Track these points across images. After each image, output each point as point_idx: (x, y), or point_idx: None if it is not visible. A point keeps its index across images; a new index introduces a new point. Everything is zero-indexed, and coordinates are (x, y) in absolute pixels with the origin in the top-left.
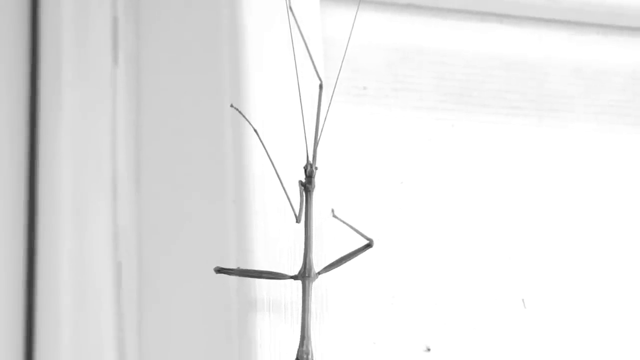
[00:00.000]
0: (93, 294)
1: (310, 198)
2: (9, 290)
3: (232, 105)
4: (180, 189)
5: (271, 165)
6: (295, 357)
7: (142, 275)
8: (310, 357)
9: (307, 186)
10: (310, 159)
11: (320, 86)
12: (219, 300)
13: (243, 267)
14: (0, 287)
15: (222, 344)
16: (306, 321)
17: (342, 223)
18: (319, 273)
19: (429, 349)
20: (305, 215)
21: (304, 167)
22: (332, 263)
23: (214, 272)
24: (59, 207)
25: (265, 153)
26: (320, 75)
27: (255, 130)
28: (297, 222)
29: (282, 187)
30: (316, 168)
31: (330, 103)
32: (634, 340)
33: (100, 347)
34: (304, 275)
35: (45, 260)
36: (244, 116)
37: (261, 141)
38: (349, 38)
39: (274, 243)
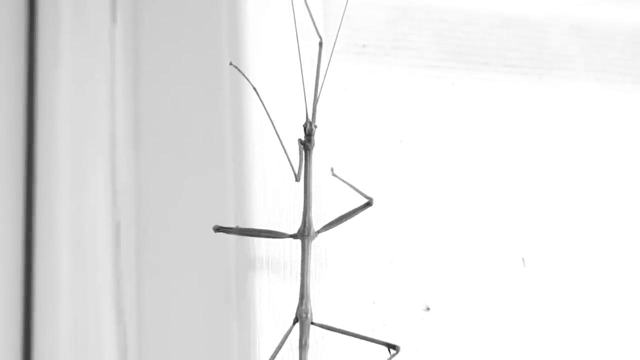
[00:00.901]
0: (91, 254)
1: (310, 156)
2: (6, 249)
3: (231, 64)
4: (179, 147)
5: (270, 124)
6: (294, 316)
7: (141, 234)
8: (309, 315)
9: (306, 144)
10: (310, 117)
11: (320, 44)
12: (218, 260)
13: (242, 226)
14: None
15: (220, 303)
16: (305, 280)
17: (341, 182)
18: (318, 232)
19: (428, 308)
20: (304, 174)
21: (304, 126)
22: (332, 222)
23: (212, 231)
24: (57, 166)
25: (265, 111)
26: (320, 33)
27: (255, 89)
28: (296, 180)
29: (281, 146)
30: (315, 126)
31: (329, 61)
32: (634, 298)
33: (99, 305)
34: (303, 234)
35: (44, 220)
36: (243, 74)
37: (260, 99)
38: None
39: (273, 202)
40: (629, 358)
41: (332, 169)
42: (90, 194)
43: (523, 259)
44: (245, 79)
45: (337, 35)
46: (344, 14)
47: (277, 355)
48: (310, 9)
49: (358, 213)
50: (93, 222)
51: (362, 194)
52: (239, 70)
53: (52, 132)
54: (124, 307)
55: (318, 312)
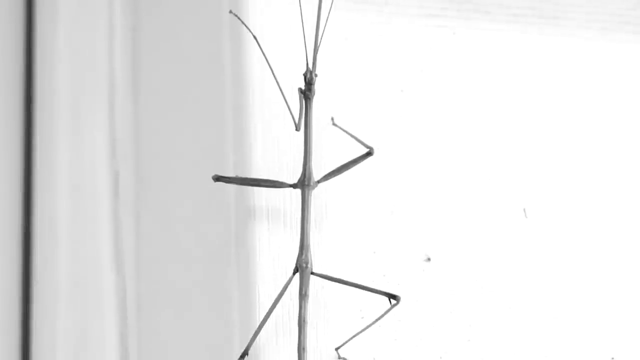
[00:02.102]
0: (90, 203)
1: (310, 106)
2: (5, 199)
3: (230, 12)
4: (179, 96)
5: (270, 73)
6: (294, 266)
7: (140, 184)
8: (309, 265)
9: (306, 93)
10: (310, 66)
11: None
12: (218, 209)
13: (241, 175)
14: None
15: (220, 253)
16: (305, 230)
17: (342, 131)
18: (318, 181)
19: (429, 259)
20: (304, 123)
21: (304, 74)
22: (332, 171)
23: (212, 181)
24: (56, 116)
25: (265, 60)
26: None
27: (255, 37)
28: (296, 130)
29: (281, 95)
30: (316, 75)
31: (330, 9)
32: (636, 248)
33: (97, 254)
34: (304, 183)
35: (43, 169)
36: (243, 23)
37: (260, 48)
38: None
39: (273, 151)
40: (629, 308)
41: (332, 119)
42: (89, 143)
43: (524, 210)
44: (245, 27)
45: None
46: None
47: (277, 305)
48: None
49: (358, 163)
50: (92, 172)
51: (362, 143)
52: (238, 18)
53: (51, 82)
54: (123, 257)
55: (318, 262)
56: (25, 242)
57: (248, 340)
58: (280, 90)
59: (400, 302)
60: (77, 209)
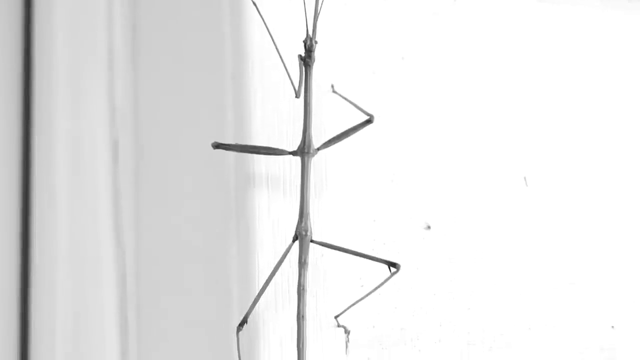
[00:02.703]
0: (89, 172)
1: (310, 73)
2: (4, 166)
3: None
4: (178, 64)
5: (270, 40)
6: (294, 233)
7: (139, 152)
8: (309, 233)
9: (306, 60)
10: (310, 32)
11: None
12: (217, 177)
13: (241, 142)
14: None
15: (220, 220)
16: (305, 197)
17: (342, 98)
18: (318, 149)
19: (429, 227)
20: (304, 90)
21: (304, 41)
22: (332, 139)
23: (211, 148)
24: (55, 85)
25: (264, 27)
26: None
27: (254, 4)
28: (296, 97)
29: (281, 62)
30: (316, 42)
31: None
32: (635, 217)
33: (96, 222)
34: (303, 151)
35: (42, 138)
36: None
37: (260, 15)
38: None
39: (273, 118)
40: (629, 276)
41: (332, 86)
42: (88, 112)
43: (525, 179)
44: None
45: None
46: None
47: (277, 273)
48: None
49: (358, 130)
50: (91, 140)
51: (362, 111)
52: None
53: (50, 48)
54: (122, 225)
55: (318, 229)
56: (24, 212)
57: (247, 309)
58: (280, 57)
59: (400, 270)
60: (76, 177)
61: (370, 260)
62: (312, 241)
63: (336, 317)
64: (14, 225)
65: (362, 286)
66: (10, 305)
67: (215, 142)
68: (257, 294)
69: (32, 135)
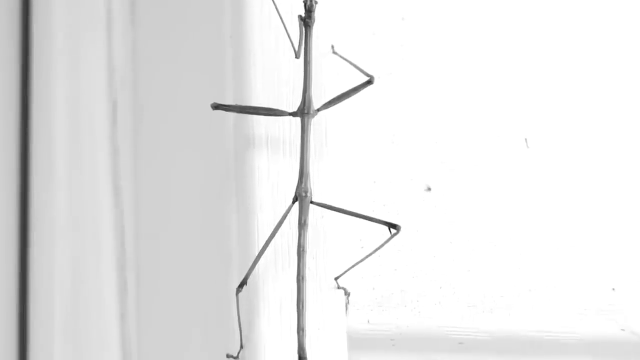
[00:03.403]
0: (88, 132)
1: (310, 33)
2: (2, 126)
3: None
4: (177, 23)
5: None
6: (294, 194)
7: (138, 113)
8: (309, 194)
9: (306, 21)
10: None
11: None
12: (217, 138)
13: (241, 103)
14: None
15: (220, 181)
16: (305, 158)
17: (342, 59)
18: (318, 110)
19: (429, 189)
20: (304, 51)
21: (304, 1)
22: (332, 99)
23: (211, 109)
24: (53, 45)
25: None
26: None
27: None
28: (296, 57)
29: (281, 22)
30: (316, 2)
31: None
32: (636, 178)
33: (95, 179)
34: (303, 111)
35: (41, 100)
36: None
37: None
38: None
39: (273, 79)
40: (630, 239)
41: (332, 46)
42: (87, 72)
43: (526, 140)
44: None
45: None
46: None
47: (276, 234)
48: None
49: (359, 91)
50: (89, 101)
51: (362, 71)
52: None
53: (48, 9)
54: (121, 186)
55: (318, 191)
56: (22, 173)
57: (247, 270)
58: (280, 17)
59: (400, 232)
60: (75, 138)
61: (370, 222)
62: (312, 202)
63: (336, 278)
64: (12, 184)
65: (362, 248)
66: (8, 263)
67: (215, 103)
68: (256, 255)
69: (30, 97)
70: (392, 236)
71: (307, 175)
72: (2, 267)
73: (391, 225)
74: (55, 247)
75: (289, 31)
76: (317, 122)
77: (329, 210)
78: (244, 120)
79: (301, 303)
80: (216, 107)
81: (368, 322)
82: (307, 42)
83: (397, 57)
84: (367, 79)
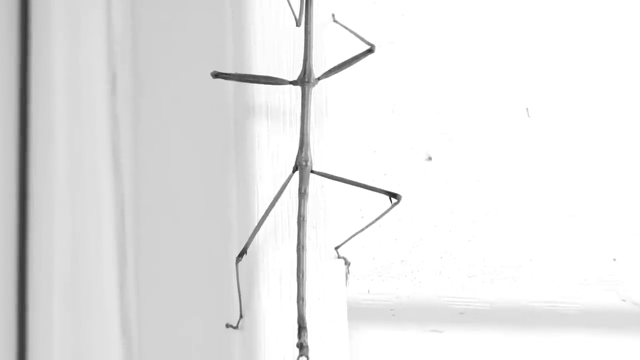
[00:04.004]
0: (88, 104)
1: (311, 1)
2: (2, 98)
3: None
4: None
5: None
6: (294, 163)
7: (138, 82)
8: (309, 163)
9: None
10: None
11: None
12: (217, 107)
13: (241, 72)
14: None
15: (219, 150)
16: (305, 127)
17: (342, 28)
18: (318, 78)
19: (430, 158)
20: (305, 19)
21: None
22: (333, 68)
23: (211, 77)
24: (53, 15)
25: None
26: None
27: None
28: (297, 25)
29: None
30: None
31: None
32: (634, 148)
33: (95, 150)
34: (304, 80)
35: (40, 71)
36: None
37: None
38: None
39: (273, 47)
40: (631, 209)
41: (333, 15)
42: (86, 43)
43: (527, 109)
44: None
45: None
46: None
47: (276, 204)
48: None
49: (359, 60)
50: (89, 72)
51: (363, 40)
52: None
53: None
54: (120, 156)
55: (318, 160)
56: (22, 145)
57: (246, 239)
58: None
59: (401, 202)
60: (75, 109)
61: (370, 191)
62: (312, 171)
63: (336, 248)
64: (11, 155)
65: (362, 217)
66: (7, 234)
67: (215, 72)
68: (256, 224)
69: (30, 69)
70: (393, 206)
71: (308, 144)
72: (2, 237)
73: (392, 195)
74: (54, 217)
75: None
76: (317, 91)
77: (329, 180)
78: (244, 89)
79: (301, 273)
80: (216, 75)
81: (368, 292)
82: (308, 11)
83: (398, 25)
84: (367, 47)
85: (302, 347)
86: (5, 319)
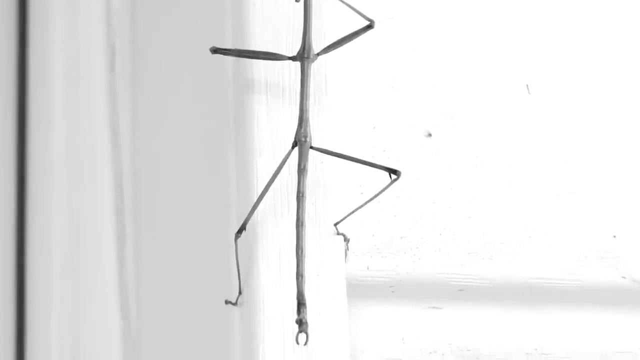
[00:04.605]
0: (86, 77)
1: None
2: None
3: None
4: None
5: None
6: (293, 139)
7: (136, 56)
8: (308, 139)
9: None
10: None
11: None
12: (215, 82)
13: (240, 47)
14: None
15: (218, 126)
16: (304, 103)
17: (342, 3)
18: (318, 54)
19: (430, 134)
20: None
21: None
22: (332, 44)
23: (209, 53)
24: None
25: None
26: None
27: None
28: (296, 1)
29: None
30: None
31: None
32: (635, 124)
33: (93, 124)
34: (303, 56)
35: (38, 43)
36: None
37: None
38: None
39: (272, 22)
40: (631, 186)
41: None
42: (84, 16)
43: (527, 86)
44: None
45: None
46: None
47: (276, 180)
48: None
49: (359, 35)
50: (87, 46)
51: (363, 15)
52: None
53: None
54: (119, 130)
55: (317, 136)
56: (20, 118)
57: (245, 215)
58: None
59: (400, 178)
60: (73, 84)
61: (370, 167)
62: (311, 147)
63: (335, 224)
64: (10, 129)
65: (361, 194)
66: (6, 207)
67: (214, 47)
68: (255, 200)
69: (28, 42)
70: (392, 182)
71: (307, 120)
72: (1, 210)
73: (391, 171)
74: (53, 194)
75: None
76: (316, 67)
77: (329, 156)
78: (243, 64)
79: (300, 249)
80: (215, 51)
81: (367, 268)
82: None
83: (398, 1)
84: (367, 23)
85: (301, 323)
86: (4, 298)
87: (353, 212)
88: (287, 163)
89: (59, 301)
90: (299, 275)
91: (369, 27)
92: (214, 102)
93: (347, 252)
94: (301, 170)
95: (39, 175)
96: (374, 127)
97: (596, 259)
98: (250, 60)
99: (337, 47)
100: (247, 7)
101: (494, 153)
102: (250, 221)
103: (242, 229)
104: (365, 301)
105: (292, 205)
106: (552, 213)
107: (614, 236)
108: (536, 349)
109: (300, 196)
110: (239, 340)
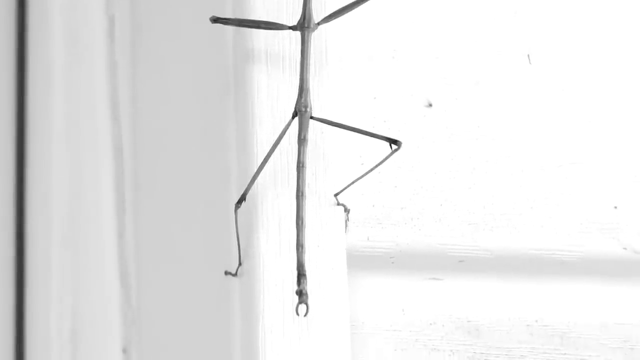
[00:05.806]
0: (85, 47)
1: None
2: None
3: None
4: None
5: None
6: (293, 109)
7: (136, 26)
8: (309, 109)
9: None
10: None
11: None
12: (215, 52)
13: (240, 16)
14: None
15: (218, 96)
16: (305, 73)
17: None
18: (318, 23)
19: (430, 105)
20: None
21: None
22: (332, 13)
23: (209, 22)
24: None
25: None
26: None
27: None
28: None
29: None
30: None
31: None
32: (636, 96)
33: (93, 99)
34: (303, 25)
35: (36, 12)
36: None
37: None
38: None
39: None
40: (631, 157)
41: None
42: None
43: (528, 56)
44: None
45: None
46: None
47: (276, 150)
48: None
49: (360, 5)
50: (86, 16)
51: None
52: None
53: None
54: (119, 101)
55: (318, 106)
56: (19, 91)
57: (245, 186)
58: None
59: (401, 148)
60: (72, 53)
61: (370, 138)
62: (311, 117)
63: (336, 195)
64: (9, 101)
65: (362, 164)
66: (5, 177)
67: (214, 16)
68: (255, 171)
69: (27, 12)
70: (393, 152)
71: (307, 90)
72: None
73: (392, 141)
74: (52, 164)
75: None
76: (317, 37)
77: (329, 126)
78: (243, 34)
79: (300, 220)
80: (215, 20)
81: (368, 239)
82: None
83: None
84: None
85: (301, 294)
86: (3, 265)
87: (353, 182)
88: (287, 133)
89: (58, 271)
90: (299, 246)
91: None
92: (214, 72)
93: (348, 222)
94: (301, 140)
95: (38, 146)
96: (375, 98)
97: (597, 230)
98: (250, 29)
99: (337, 17)
100: None
101: (495, 124)
102: (250, 192)
103: (242, 199)
104: (365, 272)
105: (292, 176)
106: (553, 184)
107: (615, 207)
108: (536, 321)
109: (300, 166)
110: (239, 311)
